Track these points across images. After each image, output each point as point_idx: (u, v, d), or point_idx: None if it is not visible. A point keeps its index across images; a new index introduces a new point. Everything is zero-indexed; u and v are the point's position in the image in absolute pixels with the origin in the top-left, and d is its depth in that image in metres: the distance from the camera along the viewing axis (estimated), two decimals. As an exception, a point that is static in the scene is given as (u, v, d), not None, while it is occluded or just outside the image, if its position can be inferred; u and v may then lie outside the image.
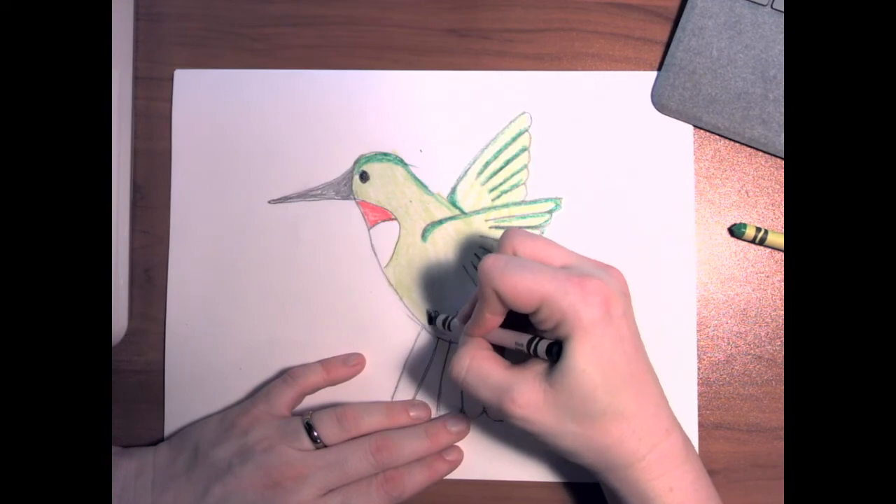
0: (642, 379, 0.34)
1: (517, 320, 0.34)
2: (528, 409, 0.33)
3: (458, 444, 0.41)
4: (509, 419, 0.34)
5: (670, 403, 0.42)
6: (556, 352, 0.32)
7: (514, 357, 0.35)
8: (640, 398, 0.33)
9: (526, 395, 0.33)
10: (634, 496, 0.34)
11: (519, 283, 0.32)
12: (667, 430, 0.34)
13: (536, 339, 0.33)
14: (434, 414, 0.42)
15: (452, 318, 0.40)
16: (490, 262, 0.32)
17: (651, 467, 0.33)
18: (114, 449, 0.41)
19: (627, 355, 0.33)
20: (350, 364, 0.42)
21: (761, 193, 0.43)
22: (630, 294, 0.34)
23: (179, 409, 0.43)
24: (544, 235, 0.42)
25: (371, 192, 0.43)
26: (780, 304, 0.42)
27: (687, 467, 0.34)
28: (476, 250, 0.43)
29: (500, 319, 0.34)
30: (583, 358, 0.31)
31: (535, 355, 0.33)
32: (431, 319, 0.42)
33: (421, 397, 0.42)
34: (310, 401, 0.42)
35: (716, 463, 0.41)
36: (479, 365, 0.34)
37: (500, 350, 0.36)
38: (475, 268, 0.43)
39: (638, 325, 0.41)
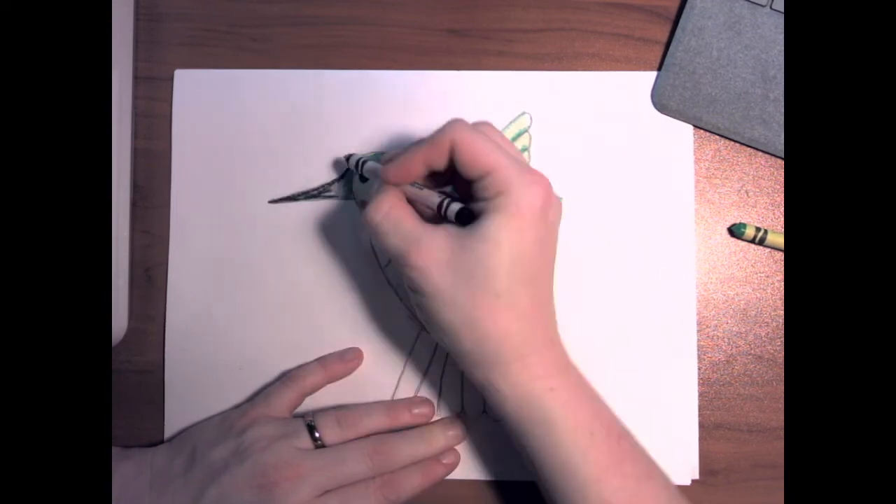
0: (544, 289, 0.34)
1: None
2: (429, 261, 0.33)
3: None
4: (409, 271, 0.33)
5: (669, 403, 0.42)
6: (466, 215, 0.33)
7: None
8: (536, 304, 0.33)
9: (434, 248, 0.33)
10: (512, 396, 0.33)
11: (480, 144, 0.32)
12: (552, 341, 0.34)
13: (448, 200, 0.33)
14: (434, 414, 0.42)
15: (368, 161, 0.39)
16: (459, 121, 0.33)
17: (531, 367, 0.33)
18: (113, 450, 0.41)
19: (543, 259, 0.33)
20: (347, 360, 0.42)
21: (761, 193, 0.43)
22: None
23: (179, 410, 0.43)
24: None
25: (371, 191, 0.43)
26: (780, 304, 0.42)
27: (570, 374, 0.34)
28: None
29: (425, 171, 0.34)
30: (506, 232, 0.32)
31: (444, 217, 0.34)
32: (346, 163, 0.41)
33: (421, 397, 0.43)
34: (310, 401, 0.42)
35: (716, 463, 0.41)
36: (396, 213, 0.34)
37: None
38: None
39: (638, 323, 0.42)
